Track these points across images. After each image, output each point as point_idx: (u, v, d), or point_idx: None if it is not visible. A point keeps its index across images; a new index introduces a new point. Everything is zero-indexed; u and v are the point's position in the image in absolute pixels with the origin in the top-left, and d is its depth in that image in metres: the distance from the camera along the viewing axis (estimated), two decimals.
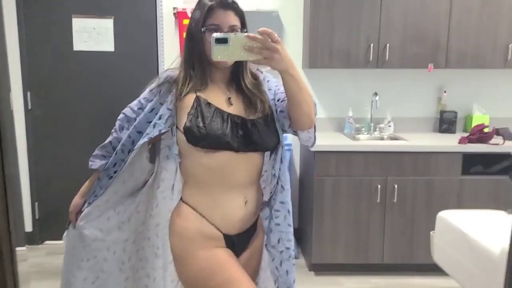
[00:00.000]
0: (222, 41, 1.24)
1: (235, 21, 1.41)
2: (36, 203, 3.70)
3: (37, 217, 3.72)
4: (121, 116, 1.54)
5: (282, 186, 1.50)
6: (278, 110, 1.46)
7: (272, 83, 1.52)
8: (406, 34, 3.22)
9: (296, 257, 3.41)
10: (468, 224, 1.57)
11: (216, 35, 1.25)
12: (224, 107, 1.42)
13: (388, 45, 3.21)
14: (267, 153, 1.50)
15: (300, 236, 3.57)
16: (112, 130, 1.55)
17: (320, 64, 3.29)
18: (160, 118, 1.41)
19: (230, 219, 1.44)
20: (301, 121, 1.39)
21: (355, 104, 3.55)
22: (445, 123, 3.51)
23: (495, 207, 3.05)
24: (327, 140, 3.22)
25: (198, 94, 1.41)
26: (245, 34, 1.24)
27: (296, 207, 3.61)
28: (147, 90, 1.50)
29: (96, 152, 1.54)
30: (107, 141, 1.55)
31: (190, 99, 1.40)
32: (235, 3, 1.43)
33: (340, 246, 3.14)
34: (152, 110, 1.44)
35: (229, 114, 1.40)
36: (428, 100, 3.61)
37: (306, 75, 3.55)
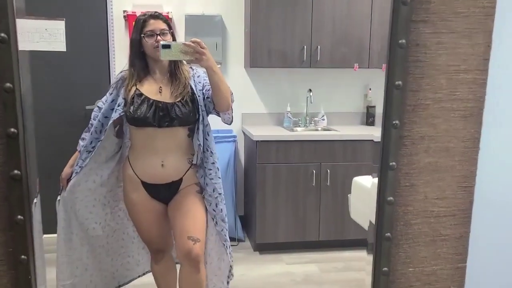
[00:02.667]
0: (166, 46, 1.82)
1: (163, 26, 2.00)
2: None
3: None
4: (95, 108, 2.13)
5: (211, 151, 2.06)
6: (205, 97, 2.03)
7: (201, 77, 2.07)
8: (334, 36, 3.65)
9: (242, 240, 3.75)
10: (369, 181, 1.97)
11: (163, 42, 1.85)
12: (152, 95, 1.99)
13: (319, 46, 3.62)
14: (194, 129, 2.02)
15: (246, 220, 3.90)
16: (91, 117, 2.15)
17: (260, 63, 3.65)
18: (118, 106, 2.00)
19: (146, 171, 2.04)
20: (222, 104, 1.98)
21: (293, 100, 3.94)
22: (371, 116, 3.97)
23: None
24: (268, 131, 3.58)
25: (138, 87, 2.00)
26: (183, 42, 1.85)
27: (241, 194, 3.94)
28: (110, 87, 2.11)
29: (81, 136, 2.14)
30: (86, 128, 2.13)
31: (132, 91, 1.99)
32: (161, 14, 2.04)
33: (281, 227, 3.49)
34: (113, 100, 2.05)
35: (154, 100, 1.96)
36: (355, 96, 4.06)
37: (248, 74, 3.90)
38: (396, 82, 1.04)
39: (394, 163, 1.05)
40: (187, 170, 2.06)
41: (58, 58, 3.69)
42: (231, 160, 3.60)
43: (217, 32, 3.73)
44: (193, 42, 1.83)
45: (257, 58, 3.62)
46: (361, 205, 1.96)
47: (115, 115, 2.00)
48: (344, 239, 3.58)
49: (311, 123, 3.91)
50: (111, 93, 2.07)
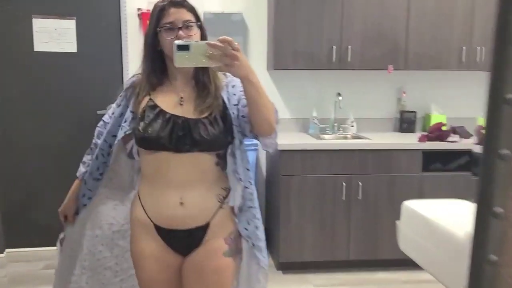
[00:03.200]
0: (183, 48, 1.31)
1: (188, 16, 1.46)
2: None
3: None
4: (100, 123, 1.70)
5: (251, 192, 1.56)
6: (241, 115, 1.49)
7: (237, 88, 1.52)
8: (366, 36, 3.33)
9: None
10: (431, 211, 1.64)
11: (178, 42, 1.32)
12: (170, 108, 1.49)
13: (349, 46, 3.30)
14: (225, 154, 1.51)
15: (267, 235, 3.58)
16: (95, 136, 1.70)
17: (284, 65, 3.35)
18: (125, 121, 1.54)
19: (161, 213, 1.51)
20: (261, 126, 1.45)
21: (319, 105, 3.63)
22: (405, 122, 3.63)
23: None
24: (292, 139, 3.27)
25: (152, 97, 1.51)
26: (206, 42, 1.32)
27: (263, 208, 3.64)
28: (119, 96, 1.64)
29: (82, 159, 1.70)
30: (89, 149, 1.71)
31: (144, 102, 1.51)
32: (185, 0, 1.48)
33: (307, 244, 3.18)
34: (121, 115, 1.58)
35: (172, 115, 1.47)
36: (388, 100, 3.73)
37: (271, 76, 3.60)
38: (508, 96, 0.72)
39: (500, 209, 0.74)
40: (216, 212, 1.52)
41: (67, 60, 3.46)
42: (251, 170, 3.30)
43: (238, 32, 3.45)
44: (221, 41, 1.30)
45: (281, 59, 3.32)
46: (414, 236, 1.64)
47: (120, 134, 1.54)
48: (378, 259, 3.25)
49: (339, 130, 3.59)
50: (119, 105, 1.60)
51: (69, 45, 3.46)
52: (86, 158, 1.69)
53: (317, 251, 3.20)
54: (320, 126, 3.56)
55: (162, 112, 1.48)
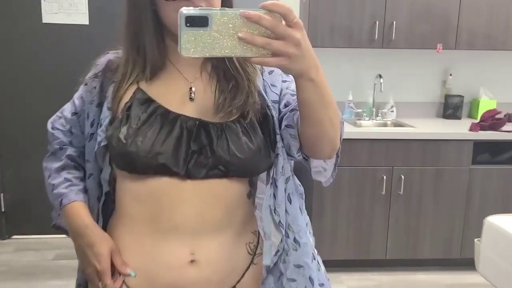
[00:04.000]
0: (197, 21, 0.69)
1: None
2: (2, 194, 3.33)
3: (3, 210, 3.35)
4: (53, 128, 1.03)
5: (294, 238, 0.97)
6: (284, 123, 0.93)
7: (276, 75, 1.00)
8: (414, 11, 2.95)
9: None
10: None
11: (186, 11, 0.69)
12: (175, 104, 0.92)
13: (394, 22, 2.93)
14: (260, 182, 1.00)
15: None
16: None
17: (319, 42, 2.99)
18: (100, 127, 0.94)
19: (155, 278, 0.92)
20: (319, 147, 0.90)
21: (356, 87, 3.28)
22: (450, 108, 3.28)
23: (507, 200, 2.88)
24: None
25: (140, 85, 0.93)
26: (240, 10, 0.69)
27: None
28: (82, 85, 1.03)
29: (49, 174, 1.01)
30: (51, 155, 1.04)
31: (129, 94, 0.93)
32: None
33: (340, 242, 2.90)
34: (93, 120, 0.97)
35: (179, 116, 0.90)
36: (432, 83, 3.37)
37: None
38: None
39: None
40: (246, 270, 0.99)
41: (78, 32, 3.15)
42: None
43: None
44: (268, 7, 0.68)
45: (316, 36, 2.96)
46: (499, 260, 1.34)
47: (90, 146, 0.97)
48: (417, 259, 2.96)
49: (377, 116, 3.26)
50: (89, 100, 0.99)
51: (81, 16, 3.14)
52: (57, 176, 1.00)
53: (351, 249, 2.91)
54: (356, 111, 3.23)
55: (161, 110, 0.91)
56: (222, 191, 0.92)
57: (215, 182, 0.90)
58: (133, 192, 0.92)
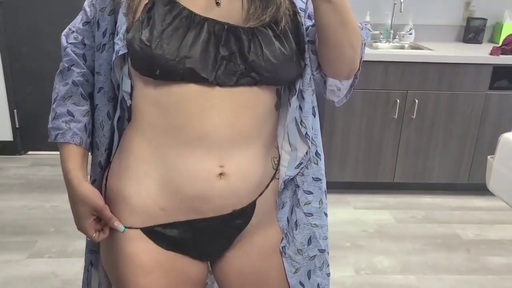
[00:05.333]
0: None
1: None
2: (15, 111, 3.36)
3: (17, 126, 3.39)
4: (67, 41, 0.95)
5: (317, 152, 0.96)
6: (307, 38, 0.91)
7: None
8: None
9: None
10: None
11: None
12: (199, 7, 0.85)
13: None
14: (285, 92, 0.95)
15: None
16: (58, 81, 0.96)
17: None
18: (117, 33, 0.87)
19: (181, 192, 0.88)
20: (338, 68, 0.90)
21: (374, 8, 3.14)
22: (472, 31, 3.15)
23: None
24: None
25: None
26: None
27: None
28: None
29: (56, 105, 0.95)
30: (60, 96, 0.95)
31: None
32: None
33: (349, 164, 2.93)
34: (105, 30, 0.89)
35: (206, 19, 0.84)
36: (455, 4, 3.21)
37: None
38: None
39: None
40: (269, 184, 0.97)
41: None
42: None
43: None
44: None
45: None
46: None
47: (101, 63, 0.91)
48: (425, 183, 3.00)
49: (395, 38, 3.15)
50: (97, 7, 0.91)
51: None
52: (70, 106, 0.94)
53: (359, 172, 2.95)
54: (372, 33, 3.12)
55: (186, 13, 0.84)
56: (252, 101, 0.87)
57: (245, 90, 0.85)
58: (156, 100, 0.85)
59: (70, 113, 0.93)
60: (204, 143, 0.85)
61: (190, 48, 0.81)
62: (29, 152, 3.46)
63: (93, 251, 1.05)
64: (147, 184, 0.89)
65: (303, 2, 0.92)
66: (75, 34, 0.95)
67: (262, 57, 0.83)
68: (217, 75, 0.82)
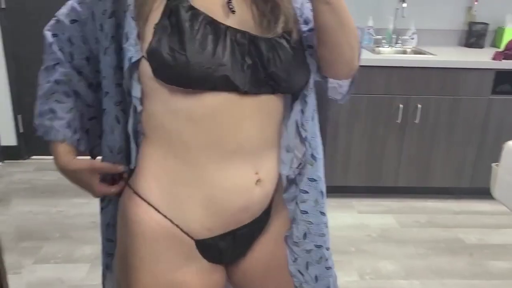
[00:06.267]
0: None
1: None
2: (19, 116, 3.38)
3: (21, 131, 3.41)
4: (51, 33, 0.94)
5: (312, 154, 0.98)
6: (305, 43, 0.93)
7: None
8: None
9: None
10: None
11: None
12: (219, 15, 0.83)
13: None
14: (287, 99, 0.96)
15: None
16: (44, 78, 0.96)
17: None
18: (127, 39, 0.81)
19: (230, 211, 0.89)
20: (338, 68, 0.94)
21: (376, 12, 3.16)
22: (474, 36, 3.17)
23: None
24: None
25: None
26: None
27: None
28: None
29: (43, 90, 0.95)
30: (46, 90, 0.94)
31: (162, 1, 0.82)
32: None
33: (352, 168, 2.94)
34: (107, 33, 0.86)
35: (228, 28, 0.82)
36: (457, 9, 3.23)
37: None
38: None
39: None
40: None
41: None
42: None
43: None
44: None
45: None
46: None
47: (106, 67, 0.88)
48: (428, 187, 3.01)
49: (397, 43, 3.16)
50: (95, 11, 0.87)
51: None
52: (59, 97, 0.94)
53: (363, 176, 2.96)
54: (375, 38, 3.13)
55: (208, 19, 0.81)
56: (272, 108, 0.89)
57: (267, 99, 0.87)
58: (187, 113, 0.81)
59: (52, 111, 0.94)
60: (239, 154, 0.86)
61: (218, 55, 0.79)
62: (34, 157, 3.48)
63: (109, 254, 1.05)
64: (192, 209, 0.88)
65: (299, 9, 0.94)
66: (60, 25, 0.93)
67: (280, 67, 0.85)
68: (245, 83, 0.82)
